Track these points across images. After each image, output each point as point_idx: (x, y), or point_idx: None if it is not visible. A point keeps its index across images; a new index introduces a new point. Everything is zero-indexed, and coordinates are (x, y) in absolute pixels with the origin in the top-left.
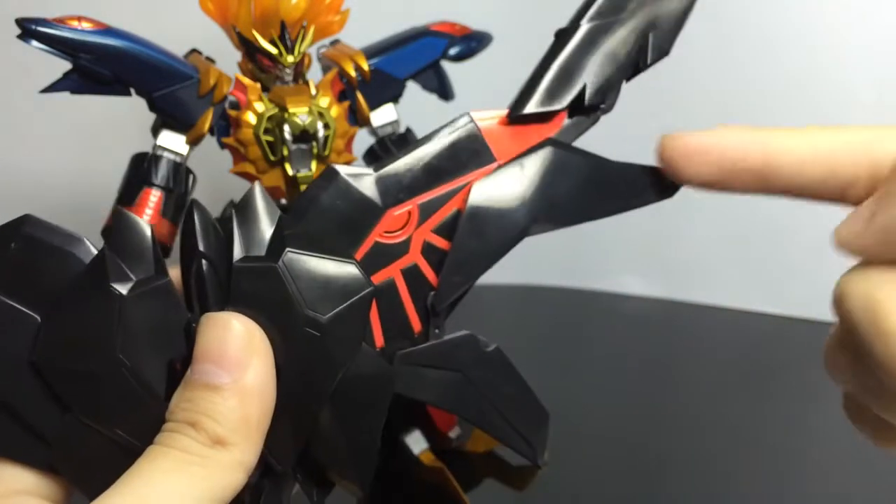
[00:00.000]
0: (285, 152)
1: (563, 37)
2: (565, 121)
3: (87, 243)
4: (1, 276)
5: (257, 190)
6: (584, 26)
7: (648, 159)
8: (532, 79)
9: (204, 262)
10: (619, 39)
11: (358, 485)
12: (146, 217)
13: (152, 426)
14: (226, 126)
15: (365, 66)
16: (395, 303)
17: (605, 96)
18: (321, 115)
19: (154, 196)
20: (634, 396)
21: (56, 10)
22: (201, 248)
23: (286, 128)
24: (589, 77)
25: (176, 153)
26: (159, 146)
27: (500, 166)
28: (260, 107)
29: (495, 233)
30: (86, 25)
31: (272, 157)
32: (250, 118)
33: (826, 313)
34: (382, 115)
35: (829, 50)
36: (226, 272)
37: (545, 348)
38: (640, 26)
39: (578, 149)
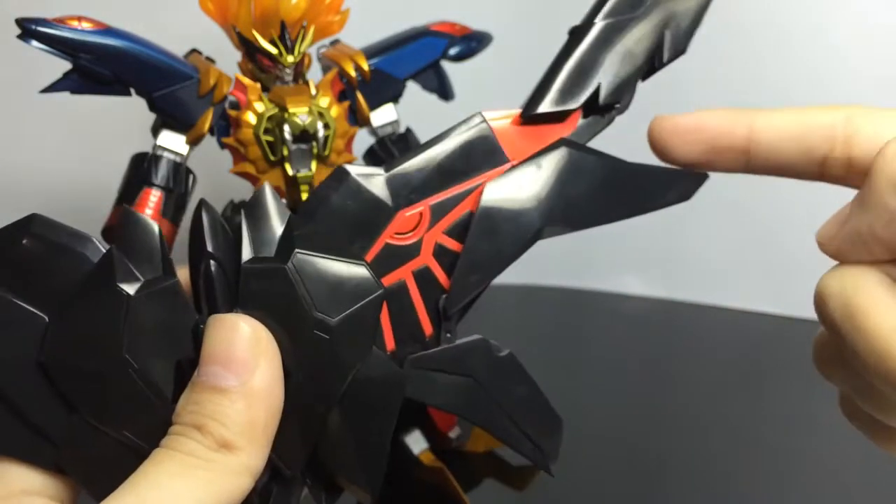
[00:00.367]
0: (285, 152)
1: (577, 35)
2: (580, 121)
3: (96, 242)
4: (9, 275)
5: (267, 190)
6: (599, 24)
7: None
8: (545, 78)
9: (212, 262)
10: (634, 37)
11: (367, 490)
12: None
13: (159, 428)
14: (226, 126)
15: (365, 66)
16: (406, 306)
17: (620, 96)
18: (321, 115)
19: (154, 196)
20: (634, 396)
21: (56, 10)
22: (209, 248)
23: (286, 128)
24: (604, 76)
25: (176, 153)
26: (159, 146)
27: (513, 167)
28: (260, 107)
29: (508, 234)
30: (86, 25)
31: (272, 157)
32: (250, 118)
33: None
34: (382, 115)
35: (830, 49)
36: (234, 273)
37: (545, 348)
38: (657, 23)
39: (594, 149)
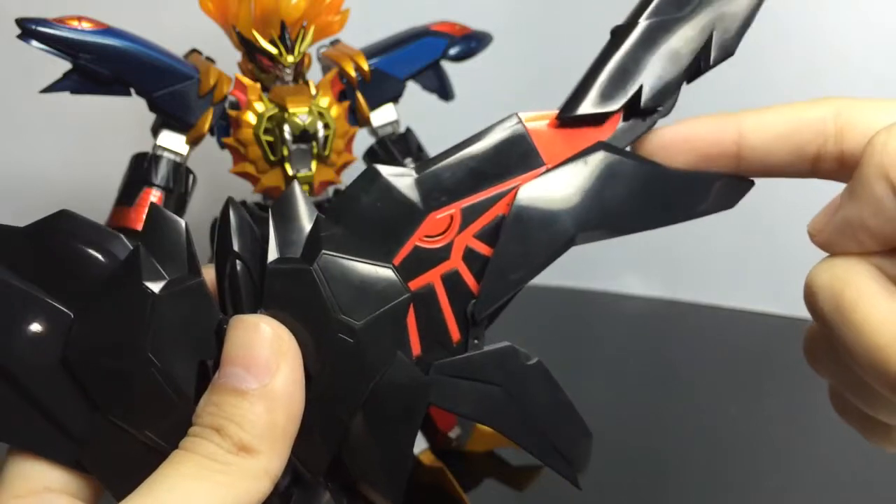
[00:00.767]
0: (285, 152)
1: (619, 35)
2: (619, 124)
3: (124, 239)
4: (36, 271)
5: (297, 190)
6: (643, 24)
7: None
8: (585, 79)
9: (238, 262)
10: (680, 38)
11: (388, 498)
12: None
13: (181, 428)
14: (226, 126)
15: (365, 66)
16: (434, 310)
17: (662, 98)
18: (321, 115)
19: (154, 196)
20: (634, 396)
21: (56, 10)
22: (236, 247)
23: (286, 128)
24: (646, 78)
25: (176, 153)
26: (159, 146)
27: (548, 170)
28: (260, 107)
29: (541, 240)
30: (86, 25)
31: (272, 157)
32: (250, 118)
33: None
34: (382, 115)
35: (830, 49)
36: (260, 273)
37: (545, 348)
38: (705, 24)
39: (633, 154)
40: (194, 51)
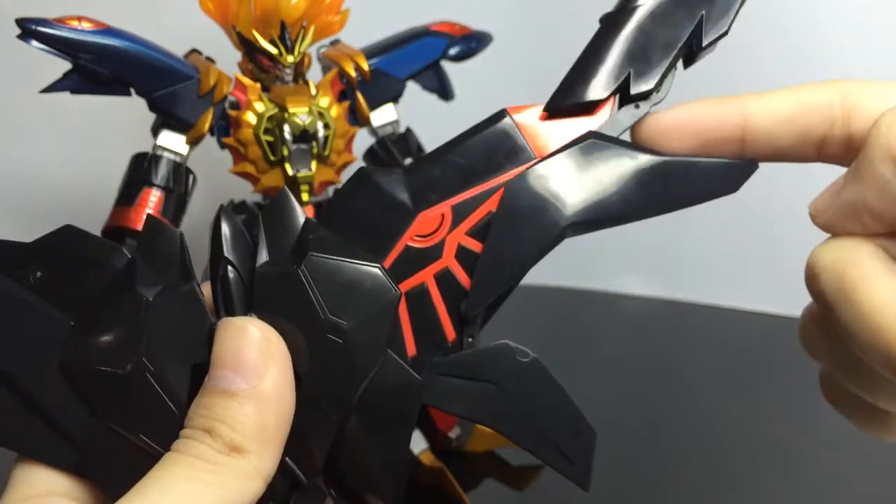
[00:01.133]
0: (285, 152)
1: (607, 22)
2: (612, 112)
3: (124, 251)
4: (40, 282)
5: (287, 194)
6: (630, 8)
7: None
8: (573, 69)
9: (229, 268)
10: (670, 21)
11: (387, 499)
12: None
13: (174, 432)
14: (226, 126)
15: (365, 66)
16: (428, 310)
17: (653, 83)
18: (321, 115)
19: (154, 196)
20: (634, 396)
21: (56, 10)
22: (226, 253)
23: (286, 128)
24: (635, 63)
25: (176, 153)
26: (159, 146)
27: (537, 163)
28: (260, 107)
29: (532, 233)
30: (86, 25)
31: (272, 157)
32: (250, 118)
33: None
34: (382, 115)
35: (829, 49)
36: (251, 278)
37: (545, 348)
38: (693, 5)
39: (624, 141)
40: (194, 51)
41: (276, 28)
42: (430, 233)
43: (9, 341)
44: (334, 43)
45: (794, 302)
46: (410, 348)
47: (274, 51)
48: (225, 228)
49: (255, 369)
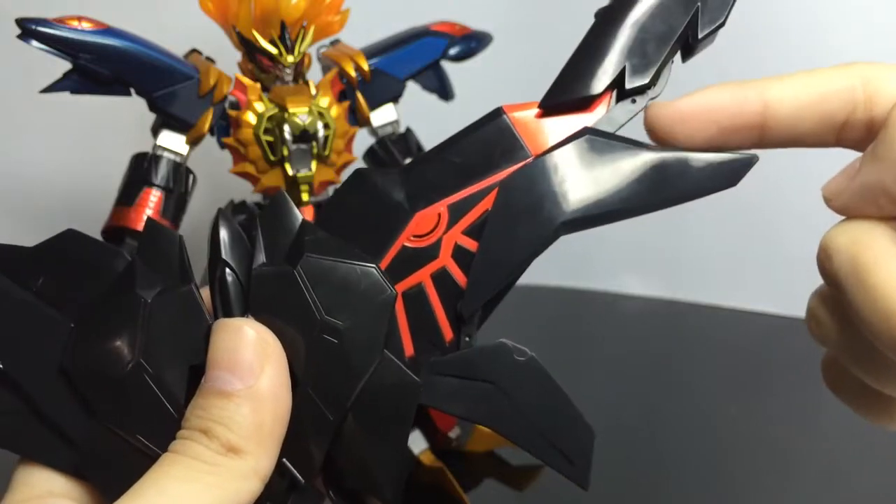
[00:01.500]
0: (285, 152)
1: (601, 16)
2: (609, 107)
3: (125, 254)
4: (42, 285)
5: (284, 196)
6: (625, 2)
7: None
8: (568, 65)
9: (227, 270)
10: (663, 14)
11: (387, 499)
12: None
13: (171, 433)
14: (226, 126)
15: (365, 66)
16: (426, 310)
17: (649, 77)
18: (321, 114)
19: (154, 196)
20: (634, 396)
21: (56, 10)
22: (224, 256)
23: (286, 128)
24: (629, 57)
25: (176, 153)
26: (159, 146)
27: (533, 160)
28: (260, 107)
29: (527, 231)
30: (86, 25)
31: (272, 157)
32: (250, 118)
33: None
34: (382, 115)
35: (829, 49)
36: (248, 280)
37: (545, 348)
38: None
39: (619, 136)
40: (194, 51)
41: (276, 28)
42: (427, 232)
43: (10, 343)
44: (334, 43)
45: (793, 302)
46: (408, 348)
47: (274, 51)
48: (223, 231)
49: (251, 370)
